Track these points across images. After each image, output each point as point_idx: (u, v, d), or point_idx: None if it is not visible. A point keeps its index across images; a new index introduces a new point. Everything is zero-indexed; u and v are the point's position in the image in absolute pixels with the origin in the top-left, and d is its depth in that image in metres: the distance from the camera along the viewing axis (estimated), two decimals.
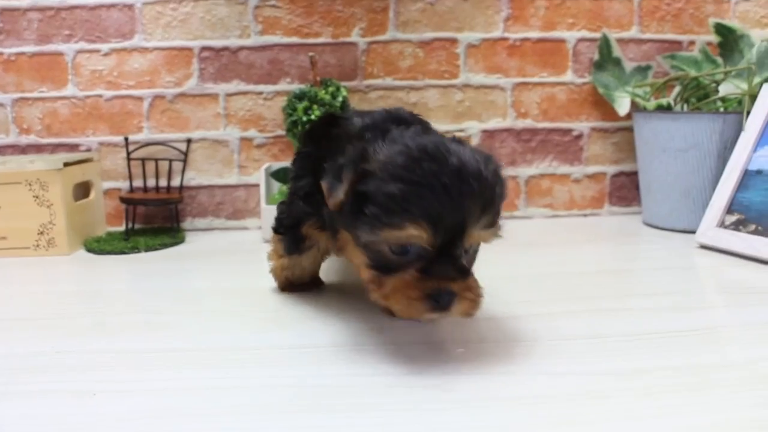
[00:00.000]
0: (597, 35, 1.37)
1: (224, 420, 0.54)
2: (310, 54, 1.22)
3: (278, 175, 1.27)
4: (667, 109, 1.29)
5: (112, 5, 1.31)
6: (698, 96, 1.29)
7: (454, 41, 1.35)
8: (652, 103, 1.30)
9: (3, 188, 1.19)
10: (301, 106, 1.19)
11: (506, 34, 1.36)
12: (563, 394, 0.57)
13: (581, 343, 0.69)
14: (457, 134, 1.32)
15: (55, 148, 1.35)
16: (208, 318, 0.81)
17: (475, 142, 1.37)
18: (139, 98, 1.33)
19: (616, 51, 1.37)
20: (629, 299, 0.86)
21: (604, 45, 1.37)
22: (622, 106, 1.37)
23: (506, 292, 0.87)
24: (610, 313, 0.80)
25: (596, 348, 0.68)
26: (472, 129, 1.37)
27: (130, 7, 1.31)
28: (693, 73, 1.30)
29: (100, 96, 1.33)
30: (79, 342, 0.73)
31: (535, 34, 1.36)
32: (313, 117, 1.18)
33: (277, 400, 0.57)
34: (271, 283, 0.91)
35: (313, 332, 0.74)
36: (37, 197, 1.20)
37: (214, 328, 0.77)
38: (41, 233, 1.21)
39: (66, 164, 1.21)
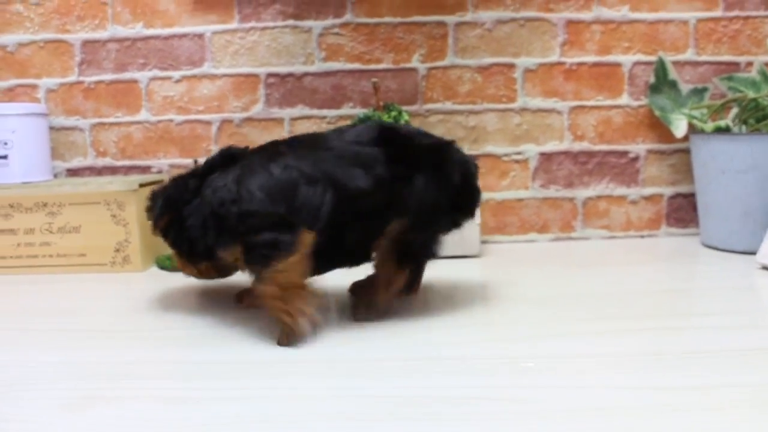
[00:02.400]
0: (652, 58, 1.39)
1: (308, 427, 0.57)
2: (373, 80, 1.27)
3: None
4: (725, 130, 1.30)
5: (184, 35, 1.38)
6: (757, 117, 1.29)
7: (511, 66, 1.38)
8: (710, 125, 1.31)
9: (83, 208, 1.26)
10: None
11: (563, 59, 1.39)
12: (631, 407, 0.59)
13: (644, 359, 0.71)
14: (515, 157, 1.35)
15: (129, 169, 1.42)
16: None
17: (532, 164, 1.39)
18: (208, 122, 1.39)
19: (672, 73, 1.39)
20: (689, 318, 0.87)
21: (660, 68, 1.39)
22: (679, 128, 1.38)
23: (568, 311, 0.89)
24: (671, 332, 0.81)
25: (659, 364, 0.70)
26: (529, 152, 1.40)
27: (201, 36, 1.38)
28: (751, 94, 1.30)
29: (171, 120, 1.40)
30: (161, 353, 0.78)
31: (591, 59, 1.39)
32: None
33: (372, 410, 0.60)
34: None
35: (396, 346, 0.77)
36: (114, 216, 1.26)
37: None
38: (117, 250, 1.26)
39: (141, 185, 1.27)
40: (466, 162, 0.87)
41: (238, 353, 0.76)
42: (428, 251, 0.88)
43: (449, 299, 0.99)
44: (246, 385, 0.67)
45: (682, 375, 0.67)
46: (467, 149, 1.39)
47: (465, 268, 1.20)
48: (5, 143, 1.30)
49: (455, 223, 0.89)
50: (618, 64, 1.39)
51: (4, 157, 1.31)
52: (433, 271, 1.18)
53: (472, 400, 0.61)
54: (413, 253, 0.87)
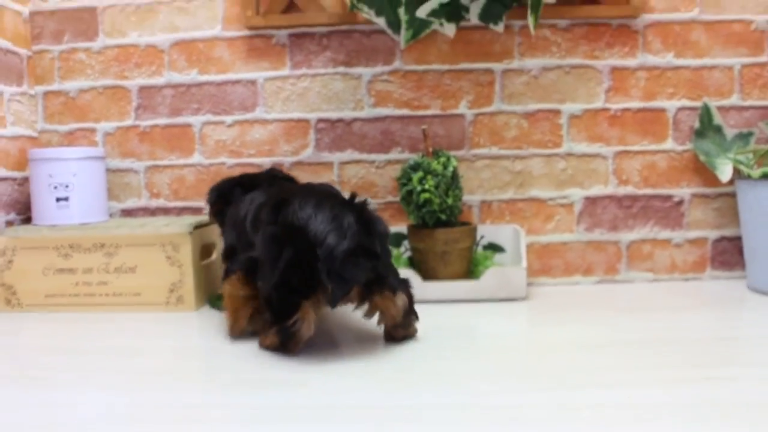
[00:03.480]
0: (697, 104, 1.41)
1: None
2: (423, 127, 1.30)
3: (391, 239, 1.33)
4: None
5: (237, 81, 1.43)
6: None
7: (557, 112, 1.41)
8: (757, 172, 1.32)
9: (140, 249, 1.30)
10: (416, 176, 1.26)
11: (607, 105, 1.41)
12: None
13: (700, 410, 0.72)
14: (560, 201, 1.37)
15: (181, 210, 1.46)
16: (328, 376, 0.87)
17: (577, 208, 1.41)
18: (259, 166, 1.43)
19: (717, 118, 1.40)
20: (741, 367, 0.88)
21: (705, 113, 1.40)
22: (724, 173, 1.38)
23: (620, 359, 0.90)
24: (724, 381, 0.82)
25: (715, 413, 0.71)
26: (574, 196, 1.42)
27: (253, 82, 1.42)
28: None
29: (223, 163, 1.44)
30: (225, 395, 0.81)
31: (635, 104, 1.41)
32: (426, 186, 1.25)
33: None
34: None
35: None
36: (169, 258, 1.30)
37: (330, 383, 0.82)
38: (172, 291, 1.30)
39: (195, 228, 1.31)
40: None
41: (303, 396, 0.78)
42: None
43: (499, 345, 1.00)
44: (319, 429, 0.69)
45: (741, 427, 0.67)
46: (513, 193, 1.42)
47: (512, 312, 1.21)
48: (66, 186, 1.35)
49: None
50: (663, 110, 1.41)
51: (65, 198, 1.35)
52: (481, 315, 1.20)
53: None
54: None
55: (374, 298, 0.97)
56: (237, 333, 1.08)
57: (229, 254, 1.15)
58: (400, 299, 1.00)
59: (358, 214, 0.94)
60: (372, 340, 1.04)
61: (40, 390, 0.87)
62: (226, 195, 1.22)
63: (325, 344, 1.04)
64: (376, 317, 1.00)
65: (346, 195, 0.98)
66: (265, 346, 1.00)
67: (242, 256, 1.05)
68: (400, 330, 1.03)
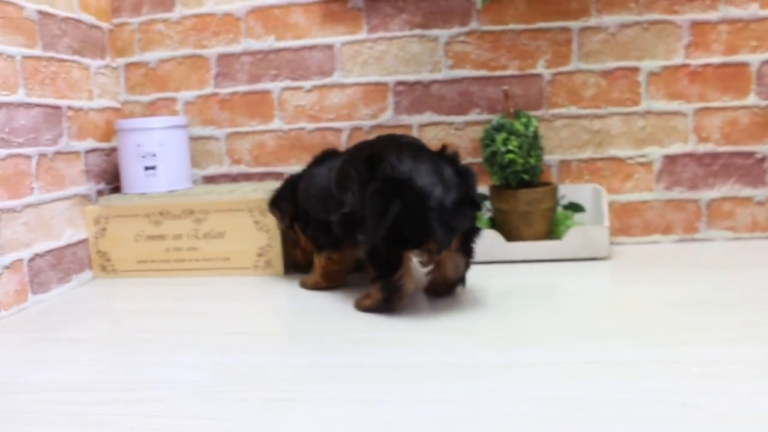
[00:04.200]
0: None
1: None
2: (504, 88, 1.30)
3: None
4: None
5: (314, 46, 1.44)
6: None
7: (635, 70, 1.39)
8: None
9: (228, 215, 1.34)
10: (499, 137, 1.27)
11: (687, 61, 1.39)
12: None
13: None
14: (639, 160, 1.37)
15: (263, 176, 1.49)
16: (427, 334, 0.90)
17: (656, 167, 1.40)
18: (339, 130, 1.45)
19: None
20: None
21: None
22: None
23: (709, 316, 0.92)
24: None
25: None
26: (653, 154, 1.41)
27: (330, 47, 1.44)
28: None
29: (302, 129, 1.46)
30: (330, 356, 0.84)
31: (717, 59, 1.39)
32: (510, 147, 1.26)
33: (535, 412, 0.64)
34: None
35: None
36: (257, 223, 1.33)
37: (437, 342, 0.85)
38: (260, 255, 1.34)
39: None
40: None
41: (399, 356, 0.82)
42: None
43: (590, 302, 1.02)
44: (424, 389, 0.72)
45: None
46: (592, 152, 1.42)
47: (595, 270, 1.23)
48: (153, 154, 1.39)
49: None
50: (745, 64, 1.39)
51: (153, 167, 1.40)
52: (565, 274, 1.21)
53: (642, 404, 0.65)
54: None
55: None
56: (311, 288, 1.20)
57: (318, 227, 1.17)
58: (463, 263, 1.04)
59: (453, 166, 0.99)
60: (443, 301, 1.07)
61: (150, 352, 0.91)
62: (293, 200, 1.22)
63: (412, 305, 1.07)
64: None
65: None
66: (366, 306, 1.03)
67: (335, 216, 1.07)
68: (442, 290, 1.07)
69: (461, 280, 1.07)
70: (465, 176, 0.99)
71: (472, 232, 1.03)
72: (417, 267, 1.04)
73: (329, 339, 0.92)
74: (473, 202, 0.98)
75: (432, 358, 0.82)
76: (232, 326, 1.01)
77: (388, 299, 0.99)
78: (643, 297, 1.04)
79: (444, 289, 1.08)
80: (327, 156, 1.20)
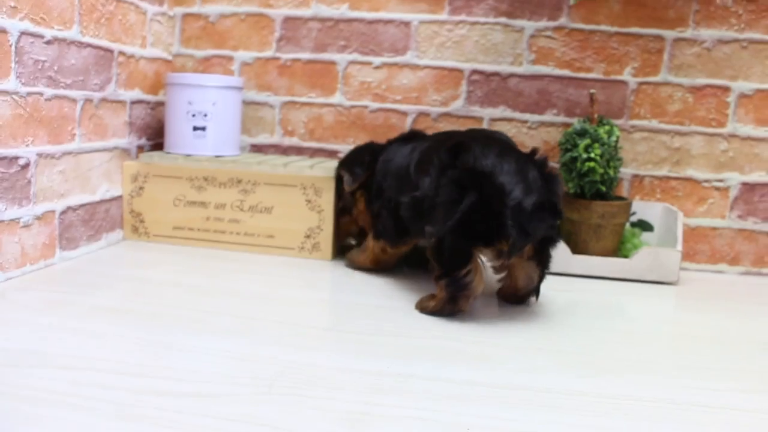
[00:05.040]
0: None
1: None
2: (592, 91, 1.22)
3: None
4: None
5: (390, 21, 1.34)
6: None
7: (726, 89, 1.32)
8: None
9: (279, 189, 1.24)
10: (582, 143, 1.18)
11: None
12: None
13: None
14: (716, 184, 1.29)
15: (315, 152, 1.40)
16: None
17: (733, 193, 1.33)
18: (404, 113, 1.36)
19: None
20: None
21: None
22: None
23: None
24: None
25: None
26: (732, 180, 1.34)
27: (407, 24, 1.34)
28: None
29: (365, 107, 1.37)
30: (406, 365, 0.75)
31: None
32: (592, 155, 1.18)
33: None
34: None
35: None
36: (309, 201, 1.24)
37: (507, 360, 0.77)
38: (308, 236, 1.25)
39: None
40: None
41: (463, 373, 0.74)
42: None
43: (666, 332, 0.95)
44: (520, 416, 0.64)
45: None
46: (668, 170, 1.34)
47: (663, 295, 1.16)
48: (205, 115, 1.29)
49: None
50: None
51: (203, 128, 1.30)
52: (631, 295, 1.15)
53: None
54: None
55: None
56: (358, 268, 1.18)
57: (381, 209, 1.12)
58: (536, 273, 0.97)
59: (540, 170, 0.93)
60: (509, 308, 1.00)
61: (195, 334, 0.82)
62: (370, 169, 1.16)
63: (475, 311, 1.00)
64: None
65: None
66: (429, 309, 0.94)
67: (405, 197, 1.01)
68: (512, 300, 1.02)
69: (534, 291, 1.00)
70: (550, 182, 0.93)
71: (549, 241, 0.96)
72: (487, 269, 0.96)
73: (401, 343, 0.84)
74: (555, 210, 0.91)
75: (523, 381, 0.74)
76: (285, 315, 0.91)
77: (453, 298, 0.91)
78: (720, 331, 0.98)
79: (514, 300, 1.02)
80: (414, 136, 1.14)
